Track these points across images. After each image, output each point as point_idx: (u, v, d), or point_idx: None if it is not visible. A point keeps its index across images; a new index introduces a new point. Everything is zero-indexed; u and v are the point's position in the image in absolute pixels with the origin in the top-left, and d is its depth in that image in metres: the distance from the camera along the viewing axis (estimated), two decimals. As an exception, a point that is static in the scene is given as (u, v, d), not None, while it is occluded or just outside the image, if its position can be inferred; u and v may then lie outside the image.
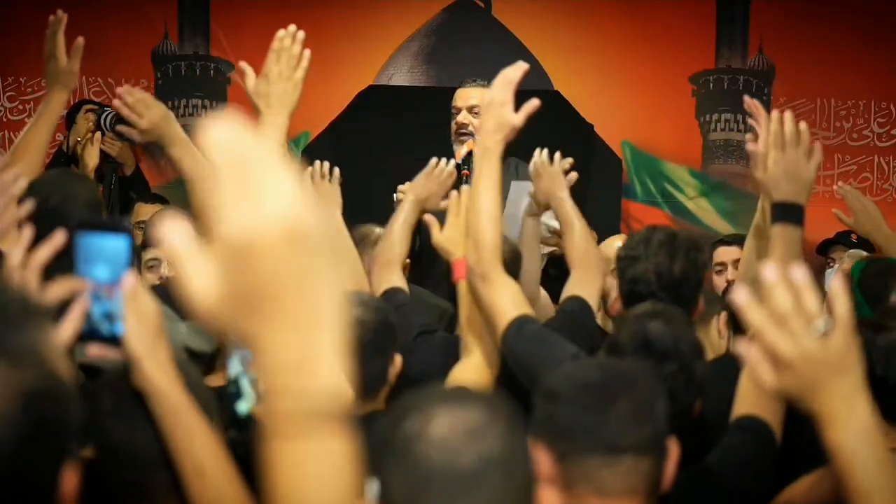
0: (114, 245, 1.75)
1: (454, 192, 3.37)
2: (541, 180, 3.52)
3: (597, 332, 3.29)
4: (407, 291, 3.48)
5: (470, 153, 4.56)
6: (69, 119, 5.34)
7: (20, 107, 6.93)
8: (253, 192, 1.03)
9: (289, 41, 3.01)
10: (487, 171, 2.93)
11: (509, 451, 1.49)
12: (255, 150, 1.04)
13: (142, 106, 3.14)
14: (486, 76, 4.94)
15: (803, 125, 2.66)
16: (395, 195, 4.33)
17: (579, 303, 3.10)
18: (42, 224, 2.95)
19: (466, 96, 4.71)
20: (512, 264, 3.46)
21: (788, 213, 2.60)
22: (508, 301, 2.85)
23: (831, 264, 5.23)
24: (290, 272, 1.05)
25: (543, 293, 3.66)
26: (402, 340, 2.94)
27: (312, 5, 6.75)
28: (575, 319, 3.07)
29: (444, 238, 3.26)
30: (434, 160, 3.69)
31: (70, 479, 1.27)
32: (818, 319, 1.54)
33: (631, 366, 2.04)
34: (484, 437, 1.48)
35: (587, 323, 3.08)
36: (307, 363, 1.08)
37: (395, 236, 3.58)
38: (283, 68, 2.99)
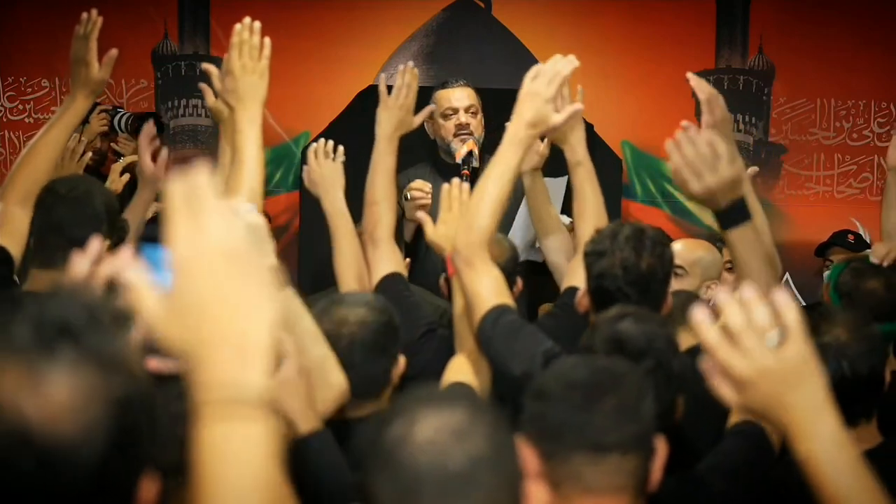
0: None
1: (445, 186, 3.33)
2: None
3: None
4: (404, 273, 3.44)
5: (470, 153, 4.55)
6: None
7: (20, 107, 6.92)
8: (198, 226, 1.27)
9: (247, 34, 2.99)
10: (510, 160, 2.83)
11: (497, 449, 1.48)
12: (203, 195, 1.27)
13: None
14: (486, 76, 4.96)
15: (708, 135, 2.48)
16: (404, 195, 4.29)
17: (576, 296, 3.08)
18: (64, 209, 2.97)
19: (460, 97, 4.70)
20: (511, 262, 3.45)
21: (732, 215, 2.49)
22: (489, 289, 2.82)
23: (828, 266, 5.22)
24: (225, 283, 1.26)
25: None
26: (407, 338, 2.93)
27: (312, 5, 6.75)
28: (571, 314, 3.05)
29: (438, 234, 3.23)
30: (383, 85, 3.63)
31: (149, 490, 1.26)
32: (770, 333, 1.53)
33: (618, 364, 2.02)
34: (471, 436, 1.47)
35: (581, 319, 3.07)
36: (237, 360, 1.25)
37: (378, 186, 3.49)
38: (246, 61, 2.98)
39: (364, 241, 3.46)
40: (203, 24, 6.91)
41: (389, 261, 3.38)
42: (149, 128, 3.78)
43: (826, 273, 5.06)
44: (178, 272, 1.27)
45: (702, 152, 2.44)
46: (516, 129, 2.84)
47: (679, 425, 2.34)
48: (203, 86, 3.20)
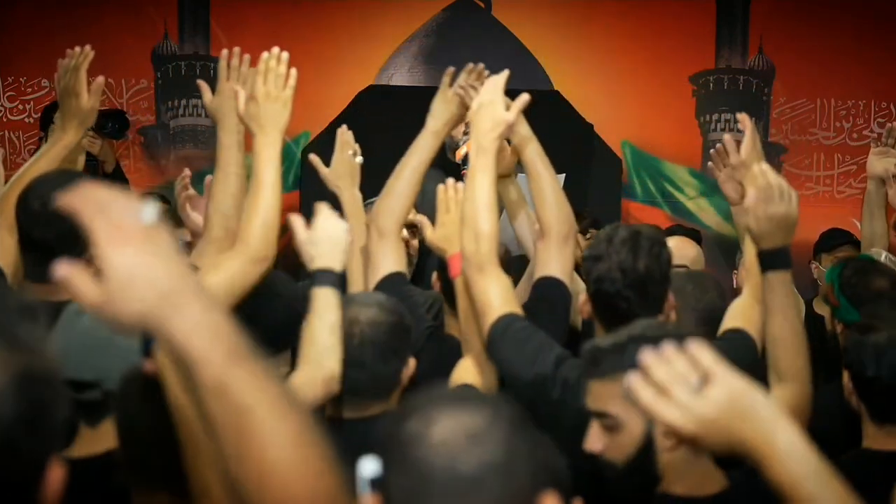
0: None
1: (440, 187, 3.31)
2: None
3: (570, 314, 3.27)
4: (406, 274, 3.41)
5: (469, 154, 4.55)
6: (47, 118, 5.34)
7: (20, 107, 6.93)
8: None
9: (274, 62, 3.01)
10: (483, 166, 2.93)
11: (510, 457, 1.47)
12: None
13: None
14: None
15: (774, 177, 2.64)
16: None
17: (552, 284, 3.07)
18: (43, 227, 2.95)
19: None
20: (502, 264, 3.43)
21: (778, 259, 2.59)
22: (499, 296, 2.84)
23: (816, 267, 5.21)
24: (149, 254, 1.31)
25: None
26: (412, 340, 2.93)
27: (312, 6, 6.75)
28: (549, 304, 3.05)
29: (438, 237, 3.22)
30: (448, 76, 3.56)
31: (56, 475, 1.27)
32: (693, 378, 1.55)
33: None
34: (485, 441, 1.47)
35: (560, 310, 3.07)
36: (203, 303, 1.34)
37: (405, 177, 3.41)
38: (271, 89, 3.00)
39: (369, 230, 3.43)
40: (203, 24, 6.92)
41: (394, 257, 3.33)
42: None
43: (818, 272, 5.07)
44: (108, 256, 1.30)
45: (779, 182, 2.56)
46: (478, 140, 2.97)
47: None
48: (200, 83, 3.20)
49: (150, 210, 1.32)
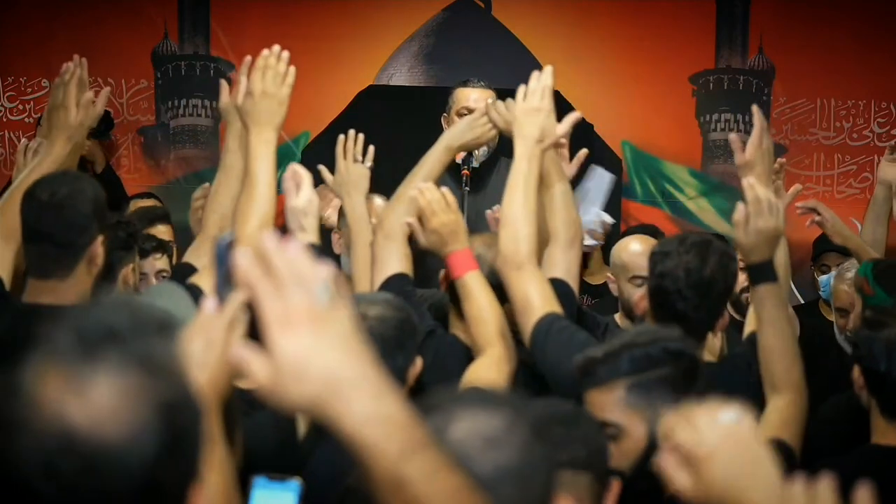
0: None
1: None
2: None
3: (576, 316, 3.29)
4: (411, 276, 3.42)
5: (470, 154, 4.55)
6: (40, 119, 5.35)
7: (20, 107, 6.92)
8: (282, 297, 1.26)
9: (273, 60, 3.02)
10: (529, 174, 2.99)
11: (526, 462, 1.46)
12: (278, 263, 1.28)
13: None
14: (486, 76, 4.95)
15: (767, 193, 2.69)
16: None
17: (558, 284, 3.10)
18: (49, 218, 2.95)
19: (478, 99, 4.68)
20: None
21: (766, 272, 2.66)
22: (539, 295, 2.90)
23: (825, 270, 5.23)
24: (319, 340, 1.28)
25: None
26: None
27: (312, 5, 6.75)
28: (564, 306, 3.07)
29: (430, 242, 3.24)
30: (478, 111, 3.60)
31: (199, 499, 1.24)
32: (728, 412, 1.49)
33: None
34: (502, 446, 1.45)
35: (566, 309, 3.09)
36: (368, 394, 1.30)
37: (413, 185, 3.39)
38: (268, 86, 3.00)
39: (376, 233, 3.43)
40: (203, 24, 6.92)
41: (399, 259, 3.34)
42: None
43: (823, 277, 5.08)
44: (276, 341, 1.26)
45: (768, 196, 2.65)
46: (525, 148, 3.01)
47: None
48: (222, 82, 3.21)
49: (326, 289, 1.27)
